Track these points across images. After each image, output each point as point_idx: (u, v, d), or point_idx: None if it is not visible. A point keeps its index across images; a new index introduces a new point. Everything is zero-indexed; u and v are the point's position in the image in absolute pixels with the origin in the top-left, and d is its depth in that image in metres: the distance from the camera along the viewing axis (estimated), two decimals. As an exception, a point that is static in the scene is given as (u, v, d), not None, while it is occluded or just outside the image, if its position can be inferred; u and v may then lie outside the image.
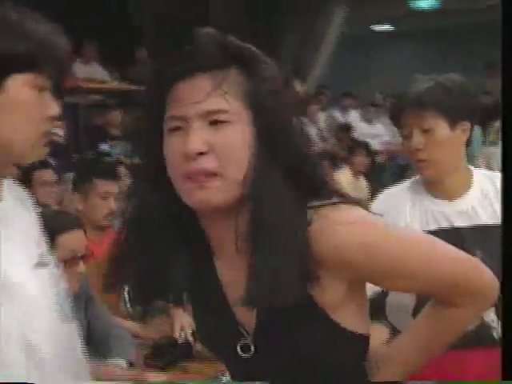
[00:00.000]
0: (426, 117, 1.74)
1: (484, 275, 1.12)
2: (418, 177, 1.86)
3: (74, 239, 2.15)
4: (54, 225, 1.97)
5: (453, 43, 11.77)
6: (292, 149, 1.03)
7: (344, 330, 1.07)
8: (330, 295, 1.04)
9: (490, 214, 1.77)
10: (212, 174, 1.00)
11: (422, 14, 11.62)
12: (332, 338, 1.07)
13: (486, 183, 1.80)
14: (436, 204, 1.80)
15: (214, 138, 1.00)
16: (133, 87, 6.64)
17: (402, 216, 1.79)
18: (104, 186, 2.98)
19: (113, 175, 3.13)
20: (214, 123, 1.01)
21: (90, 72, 6.78)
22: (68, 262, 2.06)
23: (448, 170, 1.79)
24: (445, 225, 1.77)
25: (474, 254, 1.53)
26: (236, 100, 1.02)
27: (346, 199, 1.06)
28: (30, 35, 1.03)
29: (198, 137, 1.00)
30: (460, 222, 1.77)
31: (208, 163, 1.00)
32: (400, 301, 1.75)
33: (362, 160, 6.19)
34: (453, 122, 1.75)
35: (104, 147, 5.44)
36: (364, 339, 1.12)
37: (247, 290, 1.01)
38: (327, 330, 1.06)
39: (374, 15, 11.84)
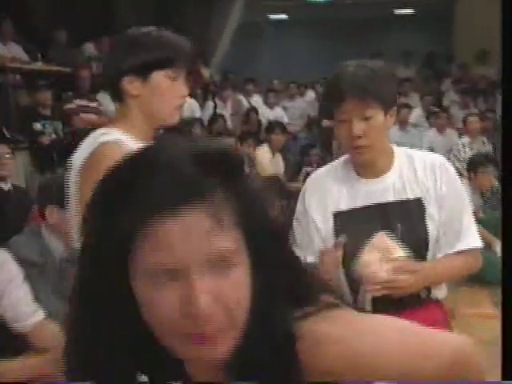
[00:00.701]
0: (368, 105, 1.76)
1: (470, 357, 0.90)
2: (343, 159, 1.93)
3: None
4: None
5: (343, 33, 12.63)
6: (286, 267, 0.87)
7: None
8: None
9: (408, 189, 1.84)
10: (220, 329, 0.80)
11: (316, 5, 12.43)
12: None
13: (404, 161, 1.87)
14: (362, 183, 1.86)
15: (219, 286, 0.79)
16: (59, 68, 6.94)
17: (330, 196, 1.85)
18: None
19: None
20: (218, 267, 0.79)
21: (12, 51, 6.88)
22: None
23: (380, 153, 1.84)
24: (371, 202, 1.84)
25: (395, 228, 1.81)
26: (232, 227, 0.80)
27: (328, 304, 0.90)
28: (165, 44, 1.67)
29: (203, 290, 0.78)
30: (383, 198, 1.84)
31: (216, 319, 0.79)
32: None
33: (278, 138, 6.80)
34: (386, 108, 1.79)
35: (37, 126, 5.74)
36: None
37: None
38: None
39: (272, 5, 12.52)
